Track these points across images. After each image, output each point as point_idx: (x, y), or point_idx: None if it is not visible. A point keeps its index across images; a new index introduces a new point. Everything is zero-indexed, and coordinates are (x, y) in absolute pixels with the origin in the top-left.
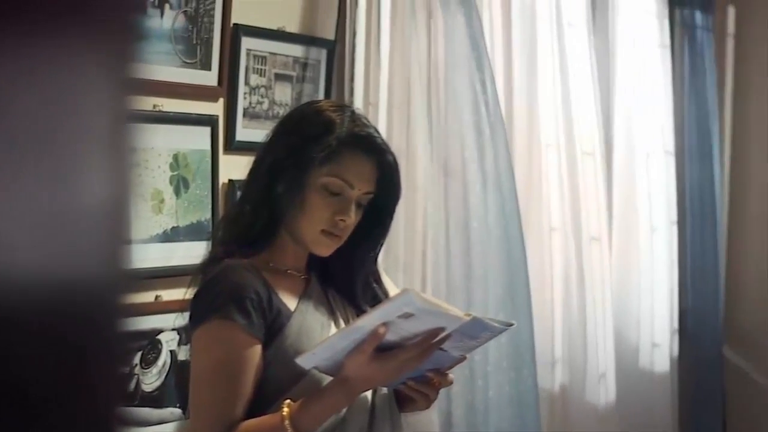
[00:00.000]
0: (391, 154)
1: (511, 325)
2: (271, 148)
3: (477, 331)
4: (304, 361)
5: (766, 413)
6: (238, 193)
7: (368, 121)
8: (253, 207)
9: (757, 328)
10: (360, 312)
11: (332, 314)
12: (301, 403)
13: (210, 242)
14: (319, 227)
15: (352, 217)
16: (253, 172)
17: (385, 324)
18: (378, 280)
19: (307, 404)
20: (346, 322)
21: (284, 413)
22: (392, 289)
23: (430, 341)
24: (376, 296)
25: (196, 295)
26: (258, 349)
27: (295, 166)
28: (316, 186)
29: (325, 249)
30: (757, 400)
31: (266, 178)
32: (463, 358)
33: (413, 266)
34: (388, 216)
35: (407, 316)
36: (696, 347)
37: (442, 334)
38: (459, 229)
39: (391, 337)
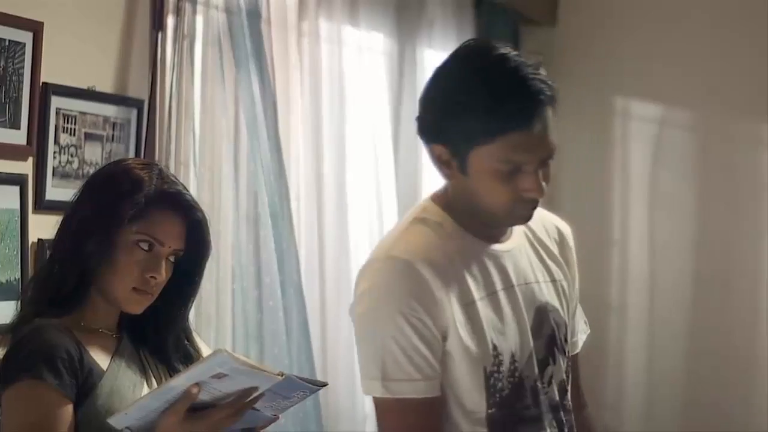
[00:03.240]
0: (200, 211)
1: (325, 384)
2: (79, 207)
3: (290, 390)
4: (116, 422)
5: None
6: (48, 253)
7: (176, 179)
8: (62, 267)
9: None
10: (173, 370)
11: (144, 373)
12: None
13: (19, 302)
14: (129, 285)
15: (163, 274)
16: (61, 232)
17: (197, 384)
18: (189, 337)
19: None
20: (159, 381)
21: None
22: (204, 347)
23: (243, 401)
24: (188, 354)
25: (6, 356)
26: (69, 409)
27: (104, 224)
28: (125, 244)
29: (136, 306)
30: None
31: (75, 238)
32: (276, 418)
33: (224, 322)
34: (198, 273)
35: (220, 376)
36: None
37: (255, 394)
38: (251, 285)
39: (204, 396)
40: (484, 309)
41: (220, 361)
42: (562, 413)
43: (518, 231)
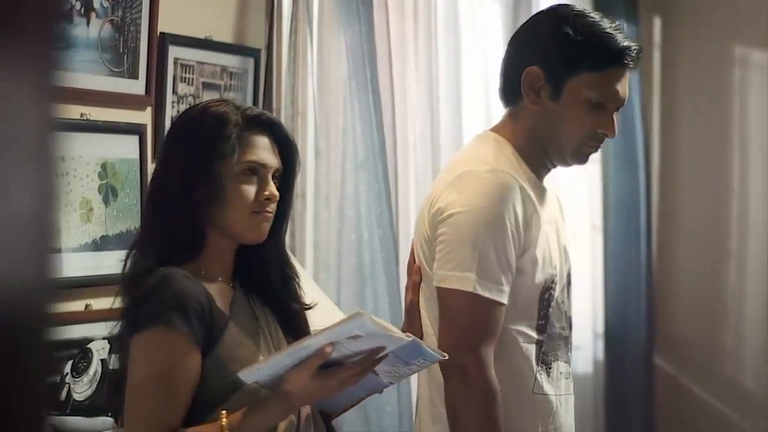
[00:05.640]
0: (285, 128)
1: (445, 356)
2: (170, 161)
3: (412, 356)
4: (246, 376)
5: (696, 419)
6: (148, 209)
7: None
8: (175, 220)
9: (689, 335)
10: (282, 313)
11: (257, 320)
12: (242, 414)
13: (130, 254)
14: (247, 211)
15: (276, 193)
16: (160, 188)
17: (332, 344)
18: (289, 264)
19: (248, 415)
20: (268, 327)
21: (223, 423)
22: (302, 274)
23: (370, 360)
24: (293, 292)
25: (136, 303)
26: (198, 357)
27: (206, 167)
28: (232, 178)
29: (259, 232)
30: (687, 407)
31: (180, 190)
32: (389, 385)
33: (341, 271)
34: (290, 190)
35: (355, 337)
36: (620, 351)
37: (382, 354)
38: (367, 235)
39: (333, 354)
40: (550, 232)
41: (360, 324)
42: (569, 345)
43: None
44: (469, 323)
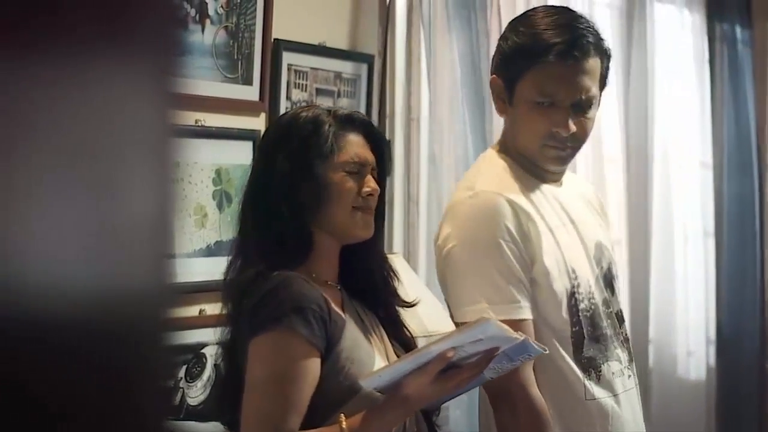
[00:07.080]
0: (376, 126)
1: (546, 350)
2: (273, 165)
3: (518, 353)
4: (368, 383)
5: None
6: (244, 214)
7: None
8: (282, 222)
9: None
10: (384, 314)
11: (363, 323)
12: (362, 418)
13: (233, 262)
14: (349, 206)
15: (377, 187)
16: (261, 193)
17: (454, 348)
18: (391, 266)
19: (368, 419)
20: (372, 328)
21: (343, 426)
22: (405, 274)
23: (485, 361)
24: (394, 290)
25: (255, 306)
26: (317, 361)
27: (309, 167)
28: (333, 174)
29: (364, 228)
30: None
31: (284, 195)
32: (489, 379)
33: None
34: (383, 188)
35: (476, 340)
36: (732, 357)
37: (496, 353)
38: None
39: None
40: (561, 237)
41: (485, 328)
42: (621, 340)
43: (570, 182)
44: None
